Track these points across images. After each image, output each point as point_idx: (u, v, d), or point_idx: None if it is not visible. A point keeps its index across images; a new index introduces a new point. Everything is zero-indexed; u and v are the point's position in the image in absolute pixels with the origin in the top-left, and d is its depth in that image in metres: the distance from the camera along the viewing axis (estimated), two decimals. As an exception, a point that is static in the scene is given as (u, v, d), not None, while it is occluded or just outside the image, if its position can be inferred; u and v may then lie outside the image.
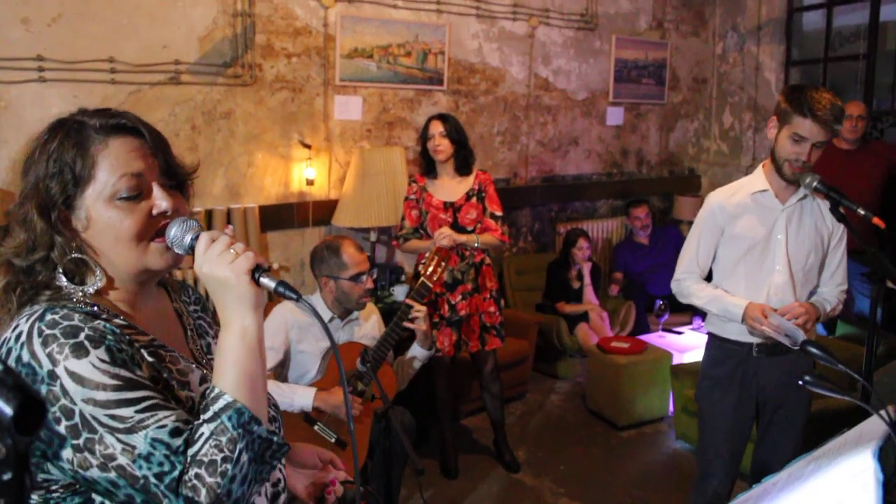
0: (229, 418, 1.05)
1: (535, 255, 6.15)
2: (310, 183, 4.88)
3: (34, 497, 1.08)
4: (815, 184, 2.46)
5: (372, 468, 3.04)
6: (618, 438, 4.48)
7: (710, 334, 2.88)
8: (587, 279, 5.58)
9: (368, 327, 3.24)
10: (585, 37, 6.22)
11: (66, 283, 1.13)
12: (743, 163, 6.95)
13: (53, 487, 1.08)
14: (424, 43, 5.26)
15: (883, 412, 1.03)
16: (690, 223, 6.76)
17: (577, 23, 6.13)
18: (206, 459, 1.03)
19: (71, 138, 1.14)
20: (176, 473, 1.02)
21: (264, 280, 1.13)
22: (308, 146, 4.86)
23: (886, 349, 4.25)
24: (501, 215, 3.95)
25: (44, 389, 1.02)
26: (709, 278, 2.88)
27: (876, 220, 2.40)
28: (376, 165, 4.75)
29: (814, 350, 1.29)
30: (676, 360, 4.72)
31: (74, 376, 1.03)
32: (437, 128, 3.79)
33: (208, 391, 1.10)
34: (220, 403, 1.07)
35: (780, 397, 2.73)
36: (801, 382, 1.21)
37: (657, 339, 5.09)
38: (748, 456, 2.97)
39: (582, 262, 5.57)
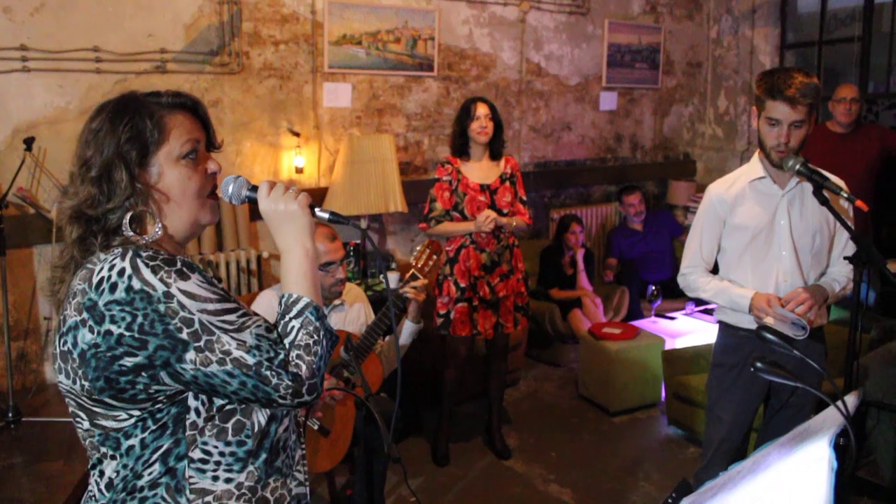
0: (311, 313, 1.35)
1: (529, 241, 6.13)
2: (299, 171, 4.86)
3: (134, 413, 1.31)
4: (797, 166, 2.44)
5: (357, 456, 3.03)
6: (610, 424, 4.48)
7: (722, 322, 2.86)
8: (580, 265, 5.56)
9: (354, 314, 3.23)
10: (578, 21, 6.17)
11: (130, 234, 1.34)
12: (738, 147, 6.92)
13: (160, 398, 1.31)
14: (414, 29, 5.22)
15: (840, 402, 1.01)
16: (685, 208, 6.83)
17: (569, 7, 6.08)
18: (302, 343, 1.31)
19: (144, 111, 1.37)
20: (283, 356, 1.29)
21: (319, 212, 1.45)
22: (297, 134, 4.83)
23: (879, 333, 4.24)
24: (526, 200, 4.00)
25: (162, 308, 1.25)
26: (715, 270, 2.86)
27: (859, 203, 2.38)
28: (366, 153, 4.72)
29: (768, 336, 1.27)
30: (669, 345, 4.70)
31: (187, 293, 1.26)
32: (483, 109, 3.81)
33: (285, 298, 1.37)
34: (302, 303, 1.35)
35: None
36: (752, 368, 1.20)
37: (650, 324, 5.07)
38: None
39: (575, 248, 5.55)
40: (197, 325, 1.26)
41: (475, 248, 3.83)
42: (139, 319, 1.24)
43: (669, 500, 1.25)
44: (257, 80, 4.70)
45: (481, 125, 3.79)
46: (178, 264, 1.29)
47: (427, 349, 4.24)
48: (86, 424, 1.35)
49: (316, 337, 1.33)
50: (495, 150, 3.91)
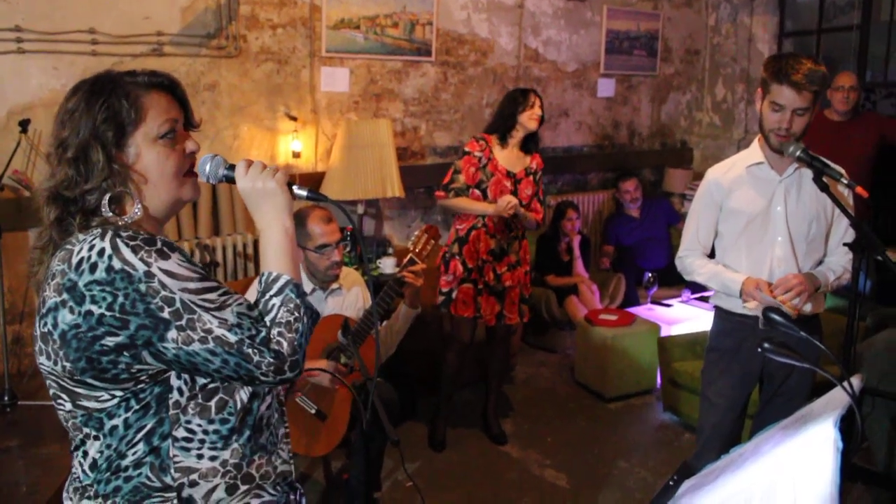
0: (291, 290, 1.35)
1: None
2: (296, 155, 4.84)
3: (117, 394, 1.31)
4: (797, 152, 2.43)
5: (354, 441, 3.04)
6: (605, 410, 4.49)
7: (717, 307, 2.87)
8: (576, 252, 5.56)
9: (352, 298, 3.22)
10: (576, 7, 6.14)
11: (109, 214, 1.34)
12: (735, 135, 6.92)
13: (142, 377, 1.31)
14: (412, 13, 5.19)
15: (846, 383, 1.01)
16: (682, 196, 6.83)
17: (567, -7, 6.05)
18: (283, 321, 1.32)
19: (120, 91, 1.36)
20: (264, 333, 1.30)
21: (298, 190, 1.45)
22: (294, 118, 4.81)
23: (874, 321, 4.25)
24: (543, 200, 4.03)
25: (143, 287, 1.25)
26: (714, 255, 2.87)
27: (859, 190, 2.38)
28: (363, 137, 4.71)
29: (775, 317, 1.28)
30: (665, 332, 4.71)
31: (167, 273, 1.26)
32: (537, 100, 3.85)
33: (265, 276, 1.37)
34: (282, 281, 1.36)
35: (787, 368, 2.71)
36: (759, 349, 1.20)
37: (646, 311, 5.08)
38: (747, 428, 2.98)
39: (571, 234, 5.55)
40: (178, 304, 1.26)
41: (486, 233, 3.83)
42: (120, 299, 1.24)
43: (671, 483, 1.25)
44: (254, 64, 4.67)
45: (536, 114, 3.80)
46: (159, 244, 1.29)
47: (425, 333, 4.24)
48: (68, 406, 1.35)
49: (297, 314, 1.33)
50: (530, 143, 3.92)
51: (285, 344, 1.30)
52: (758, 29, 6.67)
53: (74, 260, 1.27)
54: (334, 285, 3.15)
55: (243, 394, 1.41)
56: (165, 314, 1.25)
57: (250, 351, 1.28)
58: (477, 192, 3.82)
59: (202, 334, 1.26)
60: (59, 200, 1.34)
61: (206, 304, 1.28)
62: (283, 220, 1.41)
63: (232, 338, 1.27)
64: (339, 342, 2.94)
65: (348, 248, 4.78)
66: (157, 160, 1.38)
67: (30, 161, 4.02)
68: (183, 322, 1.26)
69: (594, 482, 3.70)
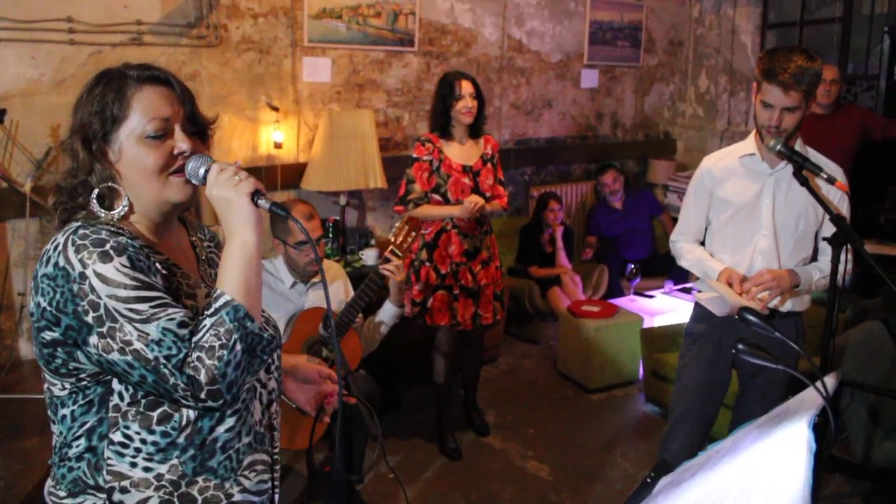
0: (227, 313, 1.26)
1: (508, 218, 6.12)
2: (278, 146, 4.80)
3: (66, 386, 1.33)
4: (777, 147, 2.44)
5: (337, 434, 3.03)
6: (588, 402, 4.50)
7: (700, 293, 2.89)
8: (559, 243, 5.57)
9: (333, 291, 3.21)
10: (560, -2, 6.13)
11: (97, 208, 1.34)
12: (718, 126, 6.94)
13: (82, 376, 1.31)
14: (395, 3, 5.15)
15: (819, 383, 1.02)
16: (665, 187, 6.84)
17: (551, -17, 6.03)
18: (206, 345, 1.23)
19: (113, 84, 1.34)
20: (181, 356, 1.22)
21: (261, 202, 1.35)
22: (276, 109, 4.77)
23: (854, 313, 4.28)
24: (504, 181, 3.84)
25: (75, 288, 1.23)
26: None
27: (838, 185, 2.39)
28: (346, 128, 4.68)
29: (750, 317, 1.28)
30: (647, 323, 4.73)
31: (101, 276, 1.23)
32: (468, 88, 3.55)
33: (212, 293, 1.30)
34: (221, 301, 1.27)
35: (757, 364, 2.71)
36: (733, 351, 1.20)
37: (628, 302, 5.10)
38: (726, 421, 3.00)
39: (554, 226, 5.55)
40: (102, 311, 1.24)
41: (458, 234, 3.64)
42: (57, 296, 1.25)
43: (648, 480, 1.26)
44: (235, 54, 4.62)
45: (466, 106, 3.55)
46: (107, 245, 1.26)
47: (409, 326, 4.22)
48: (45, 385, 1.40)
49: (224, 340, 1.24)
50: (477, 127, 3.68)
51: (202, 371, 1.22)
52: (741, 20, 6.68)
53: (43, 251, 1.30)
54: (315, 279, 3.14)
55: (191, 411, 1.35)
56: (89, 318, 1.24)
57: (165, 371, 1.22)
58: (437, 196, 3.60)
59: (121, 345, 1.23)
60: (60, 191, 1.36)
61: (131, 315, 1.24)
62: (243, 232, 1.32)
63: (149, 354, 1.22)
64: (320, 335, 2.93)
65: (329, 245, 4.76)
66: (138, 158, 1.34)
67: (7, 152, 3.97)
68: (104, 329, 1.24)
69: (576, 473, 3.71)
